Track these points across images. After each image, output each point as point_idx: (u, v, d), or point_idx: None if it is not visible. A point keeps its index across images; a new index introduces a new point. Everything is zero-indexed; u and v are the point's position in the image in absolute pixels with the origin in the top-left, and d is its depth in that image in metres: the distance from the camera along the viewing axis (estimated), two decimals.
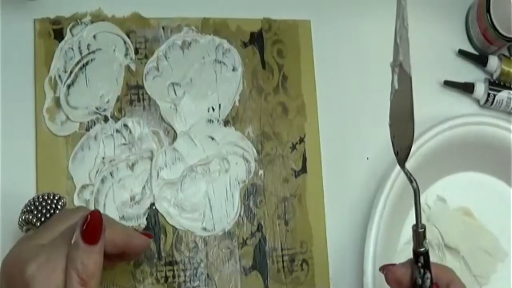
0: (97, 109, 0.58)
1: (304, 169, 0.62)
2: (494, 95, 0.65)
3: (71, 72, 0.58)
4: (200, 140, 0.60)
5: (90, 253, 0.41)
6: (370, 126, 0.64)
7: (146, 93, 0.59)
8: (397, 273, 0.46)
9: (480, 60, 0.67)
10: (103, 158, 0.57)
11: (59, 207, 0.47)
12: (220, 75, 0.61)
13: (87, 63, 0.58)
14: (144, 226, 0.57)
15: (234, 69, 0.61)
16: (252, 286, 0.59)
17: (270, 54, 0.63)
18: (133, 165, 0.58)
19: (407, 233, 0.63)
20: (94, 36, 0.59)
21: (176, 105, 0.60)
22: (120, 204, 0.57)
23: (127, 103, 0.59)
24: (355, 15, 0.66)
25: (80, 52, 0.58)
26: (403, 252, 0.62)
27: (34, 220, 0.46)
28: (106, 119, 0.58)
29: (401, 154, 0.46)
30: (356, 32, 0.66)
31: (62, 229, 0.43)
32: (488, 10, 0.63)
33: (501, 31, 0.63)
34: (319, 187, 0.62)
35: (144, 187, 0.58)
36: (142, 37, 0.60)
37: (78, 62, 0.58)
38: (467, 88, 0.66)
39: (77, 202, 0.56)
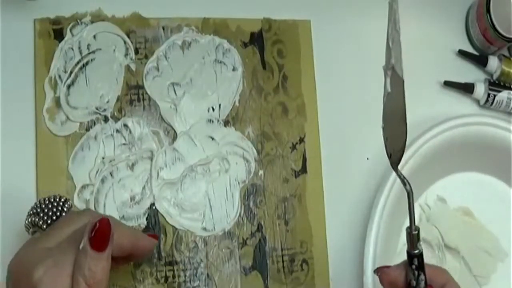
0: (97, 109, 0.58)
1: (304, 169, 0.62)
2: (494, 95, 0.65)
3: (71, 72, 0.58)
4: (200, 140, 0.60)
5: (98, 259, 0.41)
6: (370, 126, 0.64)
7: (146, 93, 0.59)
8: (391, 275, 0.46)
9: (480, 60, 0.67)
10: (103, 158, 0.57)
11: (65, 209, 0.47)
12: (220, 75, 0.61)
13: (87, 63, 0.58)
14: (144, 226, 0.57)
15: (234, 69, 0.61)
16: (252, 286, 0.59)
17: (270, 54, 0.63)
18: (133, 165, 0.58)
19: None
20: (94, 36, 0.59)
21: (176, 105, 0.60)
22: (120, 204, 0.57)
23: (127, 103, 0.59)
24: (355, 15, 0.66)
25: (80, 52, 0.58)
26: (403, 252, 0.62)
27: (41, 223, 0.46)
28: (106, 119, 0.58)
29: (394, 156, 0.46)
30: (356, 32, 0.66)
31: (69, 233, 0.43)
32: (488, 10, 0.63)
33: (501, 31, 0.63)
34: (319, 187, 0.62)
35: (144, 187, 0.58)
36: (142, 37, 0.60)
37: (78, 62, 0.58)
38: (467, 89, 0.66)
39: (77, 202, 0.56)
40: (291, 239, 0.60)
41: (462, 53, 0.67)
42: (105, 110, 0.58)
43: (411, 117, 0.64)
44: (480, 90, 0.65)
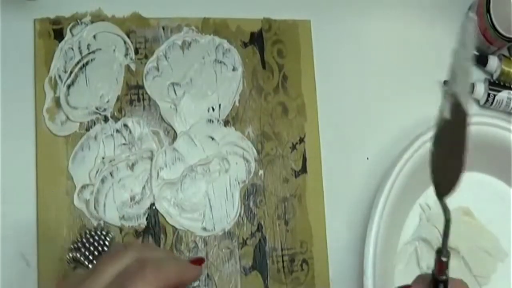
0: (97, 109, 0.58)
1: (304, 169, 0.62)
2: (494, 95, 0.65)
3: (71, 72, 0.58)
4: (200, 140, 0.60)
5: None
6: (370, 126, 0.64)
7: (146, 93, 0.59)
8: None
9: (480, 60, 0.67)
10: (103, 158, 0.57)
11: (107, 243, 0.45)
12: (220, 75, 0.61)
13: (87, 63, 0.58)
14: (144, 226, 0.57)
15: (234, 69, 0.61)
16: (252, 286, 0.59)
17: (270, 54, 0.63)
18: (133, 165, 0.58)
19: (407, 234, 0.63)
20: (94, 36, 0.59)
21: (176, 105, 0.60)
22: (120, 204, 0.57)
23: (127, 103, 0.59)
24: (355, 15, 0.66)
25: (80, 52, 0.58)
26: (403, 253, 0.62)
27: (83, 259, 0.45)
28: (106, 119, 0.58)
29: (443, 188, 0.43)
30: (356, 32, 0.66)
31: (113, 274, 0.40)
32: (488, 10, 0.63)
33: (501, 31, 0.63)
34: (319, 187, 0.62)
35: (144, 187, 0.58)
36: (142, 37, 0.60)
37: (78, 62, 0.58)
38: None
39: (77, 202, 0.56)
40: (291, 239, 0.60)
41: None
42: (105, 110, 0.58)
43: (411, 117, 0.65)
44: (480, 90, 0.65)
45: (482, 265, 0.63)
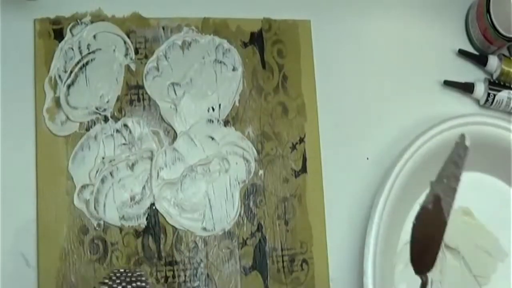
0: (97, 109, 0.58)
1: (304, 169, 0.62)
2: (494, 95, 0.65)
3: (71, 72, 0.58)
4: (200, 140, 0.60)
5: None
6: (370, 126, 0.64)
7: (146, 93, 0.59)
8: None
9: (480, 60, 0.67)
10: (103, 158, 0.57)
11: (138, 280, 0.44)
12: (220, 75, 0.61)
13: (87, 63, 0.58)
14: (144, 226, 0.57)
15: (234, 69, 0.61)
16: (252, 286, 0.59)
17: (270, 54, 0.63)
18: (133, 165, 0.58)
19: (407, 233, 0.62)
20: (94, 36, 0.59)
21: (176, 105, 0.60)
22: (120, 204, 0.57)
23: (127, 103, 0.59)
24: (355, 15, 0.66)
25: (80, 52, 0.58)
26: (403, 253, 0.62)
27: None
28: (106, 119, 0.58)
29: (418, 263, 0.46)
30: (356, 32, 0.66)
31: None
32: (488, 10, 0.63)
33: (501, 31, 0.63)
34: (319, 187, 0.62)
35: (144, 187, 0.58)
36: (142, 37, 0.60)
37: (78, 62, 0.58)
38: (467, 88, 0.66)
39: (77, 202, 0.56)
40: (291, 239, 0.60)
41: (462, 53, 0.67)
42: (105, 110, 0.58)
43: (411, 117, 0.65)
44: (480, 89, 0.65)
45: (482, 265, 0.63)
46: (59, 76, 0.58)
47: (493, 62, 0.66)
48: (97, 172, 0.57)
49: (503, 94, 0.65)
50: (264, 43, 0.63)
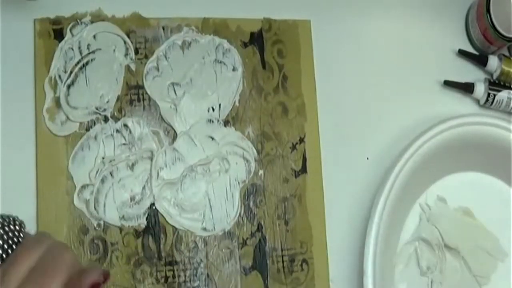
0: (97, 109, 0.58)
1: (304, 169, 0.61)
2: (494, 95, 0.65)
3: (71, 72, 0.58)
4: (200, 140, 0.60)
5: None
6: (370, 126, 0.64)
7: (146, 93, 0.59)
8: None
9: (480, 60, 0.67)
10: (103, 158, 0.57)
11: (20, 239, 0.43)
12: (220, 75, 0.61)
13: (87, 63, 0.58)
14: (144, 226, 0.57)
15: (234, 69, 0.61)
16: (252, 286, 0.59)
17: (270, 54, 0.63)
18: (133, 165, 0.58)
19: (407, 234, 0.63)
20: (94, 36, 0.59)
21: (176, 105, 0.60)
22: (120, 204, 0.57)
23: (127, 103, 0.59)
24: (355, 15, 0.66)
25: (80, 52, 0.58)
26: (403, 253, 0.62)
27: None
28: (106, 119, 0.58)
29: None
30: (356, 32, 0.66)
31: (26, 272, 0.38)
32: (488, 10, 0.63)
33: (501, 31, 0.63)
34: (319, 187, 0.62)
35: (144, 187, 0.58)
36: (142, 37, 0.60)
37: (78, 62, 0.58)
38: (467, 88, 0.66)
39: (77, 202, 0.56)
40: (291, 239, 0.60)
41: (462, 53, 0.67)
42: (105, 110, 0.58)
43: (411, 117, 0.65)
44: (480, 89, 0.65)
45: (482, 265, 0.63)
46: (59, 76, 0.58)
47: (493, 62, 0.66)
48: (97, 172, 0.57)
49: (503, 94, 0.65)
50: (264, 43, 0.63)
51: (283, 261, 0.60)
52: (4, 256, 0.38)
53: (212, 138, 0.60)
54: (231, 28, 0.62)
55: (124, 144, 0.58)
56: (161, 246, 0.57)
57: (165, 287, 0.57)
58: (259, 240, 0.59)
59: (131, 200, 0.57)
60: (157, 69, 0.60)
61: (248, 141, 0.61)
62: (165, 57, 0.60)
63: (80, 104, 0.58)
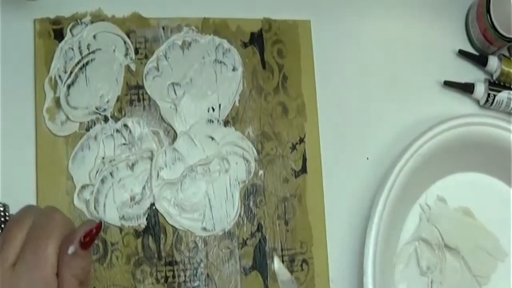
0: (97, 109, 0.58)
1: (304, 169, 0.62)
2: (494, 95, 0.65)
3: (71, 72, 0.58)
4: (200, 140, 0.60)
5: (86, 256, 0.40)
6: (370, 126, 0.64)
7: (146, 93, 0.59)
8: None
9: (480, 60, 0.67)
10: (103, 158, 0.57)
11: (7, 218, 0.44)
12: (220, 75, 0.61)
13: (87, 63, 0.58)
14: (144, 226, 0.57)
15: (234, 69, 0.61)
16: (252, 286, 0.59)
17: (270, 54, 0.63)
18: (133, 165, 0.58)
19: (407, 234, 0.63)
20: (94, 36, 0.59)
21: (176, 105, 0.60)
22: (120, 204, 0.57)
23: (127, 103, 0.59)
24: (355, 15, 0.66)
25: (80, 52, 0.58)
26: (403, 253, 0.62)
27: None
28: (106, 119, 0.58)
29: None
30: (356, 32, 0.66)
31: (23, 236, 0.39)
32: (488, 10, 0.63)
33: (501, 31, 0.63)
34: (319, 187, 0.62)
35: (144, 187, 0.58)
36: (142, 37, 0.60)
37: (78, 62, 0.58)
38: (467, 88, 0.66)
39: (77, 202, 0.56)
40: (291, 239, 0.60)
41: (462, 53, 0.67)
42: (105, 110, 0.58)
43: (411, 117, 0.65)
44: (480, 90, 0.65)
45: (482, 265, 0.63)
46: (59, 76, 0.58)
47: (493, 62, 0.66)
48: (97, 172, 0.57)
49: (503, 95, 0.65)
50: (264, 43, 0.63)
51: (283, 261, 0.60)
52: None
53: (212, 138, 0.60)
54: (231, 28, 0.62)
55: (124, 144, 0.58)
56: (161, 246, 0.57)
57: (165, 287, 0.57)
58: (259, 240, 0.59)
59: (131, 200, 0.57)
60: (157, 69, 0.60)
61: (248, 141, 0.61)
62: (165, 57, 0.60)
63: (80, 104, 0.58)
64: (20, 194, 0.55)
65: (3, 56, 0.57)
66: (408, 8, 0.68)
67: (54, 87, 0.57)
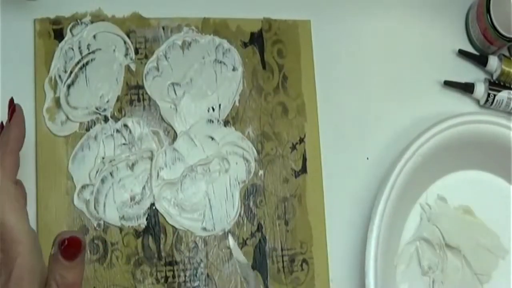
0: (97, 109, 0.58)
1: (304, 169, 0.61)
2: (494, 95, 0.65)
3: (71, 72, 0.58)
4: (200, 140, 0.60)
5: (69, 268, 0.40)
6: (370, 126, 0.64)
7: (146, 93, 0.59)
8: None
9: (480, 60, 0.67)
10: (103, 158, 0.57)
11: None
12: (220, 75, 0.61)
13: (87, 63, 0.58)
14: (144, 226, 0.57)
15: (234, 69, 0.61)
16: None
17: (270, 54, 0.63)
18: (133, 165, 0.58)
19: (408, 234, 0.63)
20: (94, 36, 0.59)
21: (176, 105, 0.60)
22: (120, 204, 0.57)
23: (127, 103, 0.59)
24: (355, 15, 0.66)
25: (80, 52, 0.58)
26: (404, 253, 0.62)
27: None
28: (106, 119, 0.58)
29: None
30: (356, 32, 0.66)
31: None
32: (488, 10, 0.63)
33: (501, 31, 0.63)
34: (319, 187, 0.62)
35: (144, 187, 0.58)
36: (142, 37, 0.60)
37: (78, 62, 0.58)
38: (467, 88, 0.66)
39: (77, 202, 0.56)
40: (291, 239, 0.60)
41: (462, 53, 0.67)
42: (105, 110, 0.58)
43: (411, 117, 0.65)
44: (480, 90, 0.65)
45: (483, 263, 0.63)
46: (59, 76, 0.58)
47: (493, 62, 0.66)
48: (97, 172, 0.57)
49: (503, 95, 0.65)
50: (264, 43, 0.63)
51: (283, 261, 0.59)
52: None
53: (212, 138, 0.60)
54: (231, 28, 0.62)
55: (124, 144, 0.58)
56: (161, 246, 0.57)
57: (165, 287, 0.57)
58: (259, 240, 0.59)
59: (131, 200, 0.57)
60: (157, 69, 0.60)
61: (248, 141, 0.61)
62: (165, 57, 0.60)
63: (80, 104, 0.58)
64: None
65: (3, 56, 0.57)
66: (408, 8, 0.68)
67: (54, 87, 0.57)
